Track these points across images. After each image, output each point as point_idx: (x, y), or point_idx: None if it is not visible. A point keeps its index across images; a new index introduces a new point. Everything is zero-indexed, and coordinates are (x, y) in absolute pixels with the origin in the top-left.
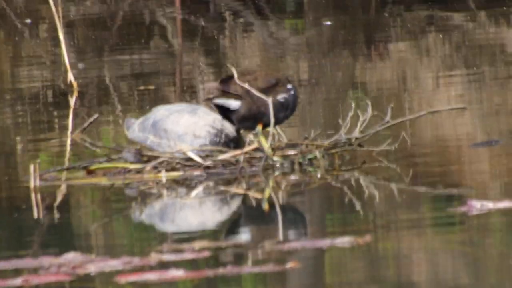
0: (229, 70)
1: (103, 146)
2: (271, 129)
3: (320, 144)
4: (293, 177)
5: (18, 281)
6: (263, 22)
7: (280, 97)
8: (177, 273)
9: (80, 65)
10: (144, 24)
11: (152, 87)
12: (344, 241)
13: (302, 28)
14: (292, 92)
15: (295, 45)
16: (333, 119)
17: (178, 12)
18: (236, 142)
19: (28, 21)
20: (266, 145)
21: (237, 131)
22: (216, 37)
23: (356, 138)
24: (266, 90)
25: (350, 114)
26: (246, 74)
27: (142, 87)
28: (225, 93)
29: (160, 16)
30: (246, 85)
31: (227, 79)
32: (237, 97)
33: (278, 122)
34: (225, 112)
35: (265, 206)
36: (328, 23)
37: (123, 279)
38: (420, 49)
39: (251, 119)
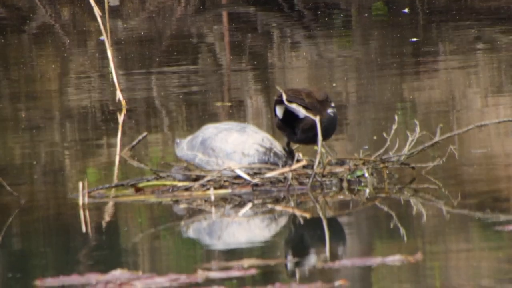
0: (280, 89)
1: (151, 169)
2: (319, 146)
3: (367, 158)
4: (341, 195)
5: None
6: (311, 39)
7: (330, 111)
8: None
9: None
10: (192, 41)
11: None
12: (394, 259)
13: (350, 46)
14: (335, 110)
15: (343, 62)
16: (381, 138)
17: (225, 29)
18: (284, 161)
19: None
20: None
21: (285, 147)
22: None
23: (404, 156)
24: (322, 103)
25: (393, 130)
26: (300, 90)
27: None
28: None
29: (208, 33)
30: (294, 106)
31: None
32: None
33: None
34: (289, 119)
35: (313, 224)
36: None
37: None
38: (468, 67)
39: (314, 130)
